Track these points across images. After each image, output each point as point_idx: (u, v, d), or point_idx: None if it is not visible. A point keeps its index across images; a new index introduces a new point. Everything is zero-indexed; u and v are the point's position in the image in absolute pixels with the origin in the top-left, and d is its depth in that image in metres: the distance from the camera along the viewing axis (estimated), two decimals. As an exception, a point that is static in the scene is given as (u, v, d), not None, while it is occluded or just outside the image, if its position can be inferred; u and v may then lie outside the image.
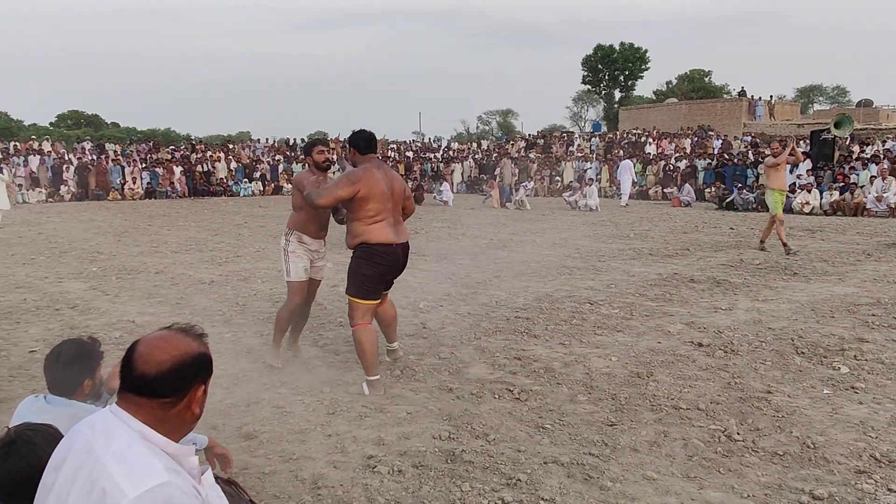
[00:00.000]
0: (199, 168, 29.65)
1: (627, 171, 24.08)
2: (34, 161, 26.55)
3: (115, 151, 30.41)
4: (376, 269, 4.86)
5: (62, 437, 1.67)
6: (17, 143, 30.57)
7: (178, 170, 28.55)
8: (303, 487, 3.50)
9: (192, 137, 46.35)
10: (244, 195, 29.07)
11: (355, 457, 3.84)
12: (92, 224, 16.77)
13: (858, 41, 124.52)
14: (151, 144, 33.77)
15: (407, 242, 5.07)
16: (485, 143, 43.70)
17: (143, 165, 28.32)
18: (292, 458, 3.82)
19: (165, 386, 1.57)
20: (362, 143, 4.96)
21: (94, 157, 28.45)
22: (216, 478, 2.28)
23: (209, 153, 32.16)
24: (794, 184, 21.29)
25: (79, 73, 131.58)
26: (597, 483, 3.53)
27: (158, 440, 1.53)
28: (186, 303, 7.80)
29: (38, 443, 1.97)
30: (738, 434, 4.13)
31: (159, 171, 28.07)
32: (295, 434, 4.16)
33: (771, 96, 40.42)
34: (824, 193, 20.29)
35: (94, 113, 68.12)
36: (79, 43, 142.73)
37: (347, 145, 5.31)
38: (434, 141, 46.70)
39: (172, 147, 34.71)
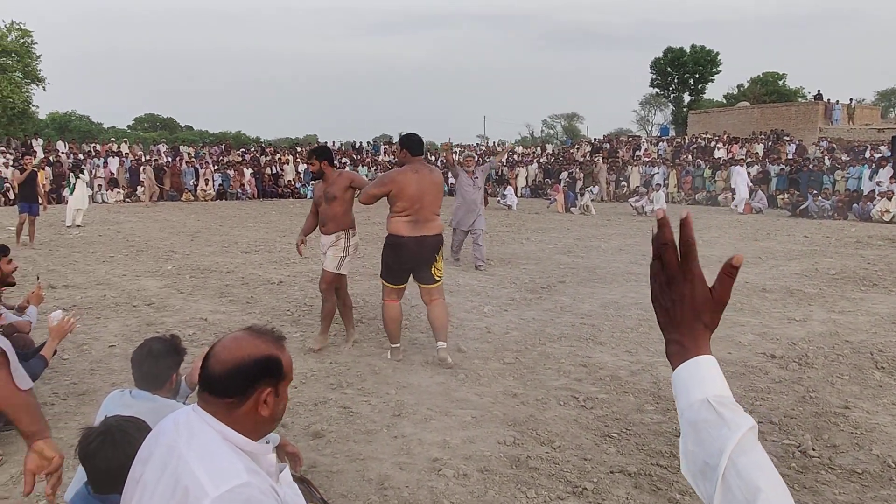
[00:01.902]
0: (268, 170, 30.33)
1: (742, 178, 23.18)
2: (114, 163, 27.60)
3: (189, 154, 31.37)
4: (392, 257, 5.51)
5: (150, 430, 1.73)
6: (98, 146, 31.83)
7: (248, 172, 29.26)
8: (369, 487, 3.54)
9: (262, 140, 47.54)
10: (311, 197, 29.56)
11: (421, 459, 3.87)
12: (167, 224, 17.33)
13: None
14: (223, 147, 34.71)
15: (424, 236, 5.41)
16: (549, 148, 43.42)
17: (216, 167, 29.12)
18: (359, 458, 3.87)
19: (228, 386, 1.59)
20: (414, 145, 5.57)
21: (169, 159, 29.40)
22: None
23: (278, 156, 32.87)
24: (874, 191, 20.48)
25: (155, 77, 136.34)
26: (665, 495, 3.47)
27: (238, 439, 1.56)
28: (256, 302, 7.98)
29: (133, 433, 2.07)
30: (814, 450, 4.00)
31: (230, 172, 28.81)
32: (361, 434, 4.21)
33: (851, 100, 38.92)
34: (906, 201, 19.43)
35: (169, 116, 70.46)
36: (155, 45, 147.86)
37: (399, 146, 5.78)
38: (498, 145, 46.63)
39: (243, 150, 35.59)
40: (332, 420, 4.43)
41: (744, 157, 26.90)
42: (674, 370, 1.01)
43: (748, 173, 24.03)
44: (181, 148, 33.35)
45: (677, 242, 1.00)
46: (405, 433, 4.23)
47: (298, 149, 36.16)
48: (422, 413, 4.56)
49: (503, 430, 4.29)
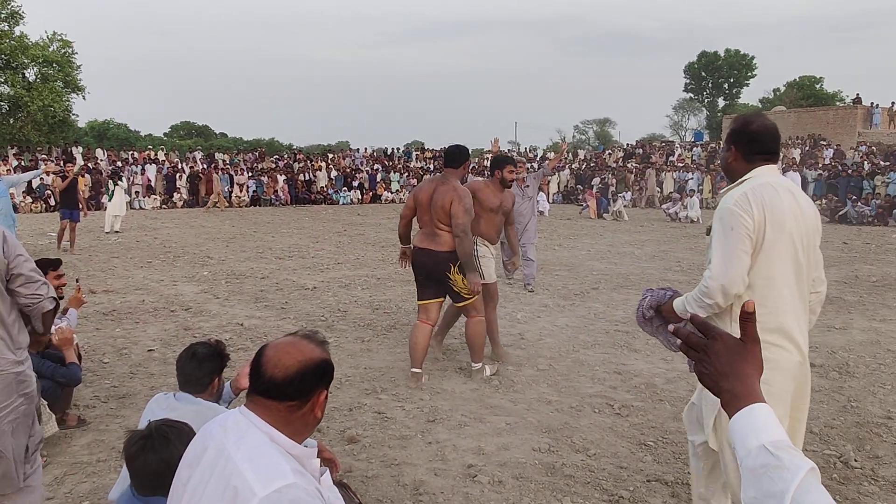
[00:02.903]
0: (300, 177, 30.63)
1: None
2: (151, 170, 28.09)
3: (223, 161, 31.81)
4: (414, 269, 5.38)
5: (195, 434, 1.77)
6: (135, 153, 32.42)
7: (281, 178, 29.57)
8: (404, 493, 3.55)
9: (294, 147, 47.97)
10: (343, 203, 29.80)
11: (455, 465, 3.87)
12: (203, 230, 17.58)
13: None
14: (257, 154, 35.13)
15: (430, 250, 5.21)
16: (581, 153, 43.23)
17: (250, 174, 29.48)
18: (394, 464, 3.88)
19: (292, 390, 1.64)
20: (447, 156, 5.47)
21: (205, 166, 29.83)
22: (328, 480, 2.36)
23: (310, 162, 33.19)
24: (915, 196, 20.05)
25: (190, 84, 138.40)
26: (703, 504, 3.42)
27: (284, 442, 1.60)
28: (291, 308, 8.06)
29: (173, 439, 2.12)
30: (856, 461, 3.93)
31: (264, 179, 29.14)
32: (396, 440, 4.23)
33: (892, 103, 38.14)
34: (949, 207, 19.01)
35: (204, 124, 71.47)
36: (191, 53, 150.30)
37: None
38: (530, 150, 46.55)
39: (276, 156, 35.99)
40: (367, 425, 4.45)
41: (797, 162, 26.35)
42: (730, 420, 1.06)
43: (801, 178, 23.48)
44: (216, 155, 33.83)
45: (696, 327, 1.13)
46: (439, 439, 4.23)
47: (331, 155, 36.49)
48: (456, 419, 4.56)
49: (538, 437, 4.27)
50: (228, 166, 29.86)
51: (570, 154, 42.38)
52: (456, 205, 5.10)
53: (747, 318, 1.05)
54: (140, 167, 28.24)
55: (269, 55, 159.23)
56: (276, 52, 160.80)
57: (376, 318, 7.44)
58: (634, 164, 33.70)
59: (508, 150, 47.69)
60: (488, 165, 5.75)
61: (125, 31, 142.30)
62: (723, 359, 1.07)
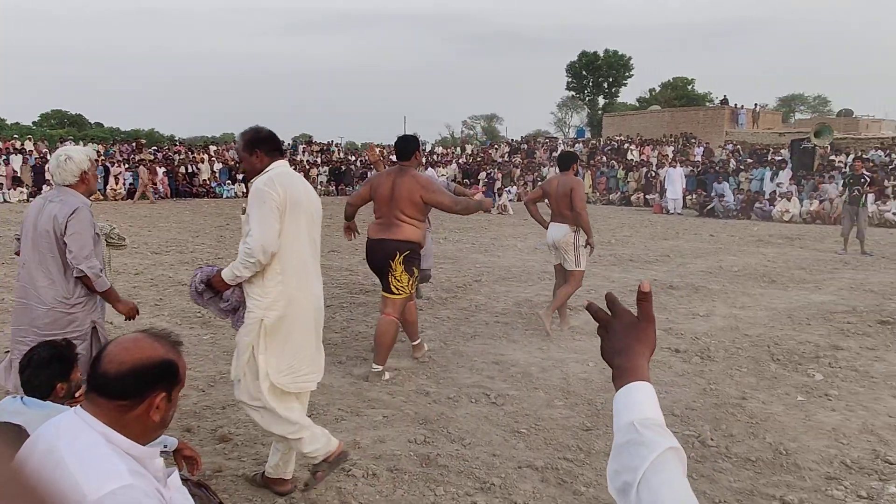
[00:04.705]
0: (181, 169, 29.46)
1: (678, 178, 23.55)
2: (16, 160, 26.26)
3: (97, 152, 30.16)
4: (367, 260, 5.41)
5: (28, 436, 1.66)
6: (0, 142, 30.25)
7: (160, 170, 28.35)
8: (276, 491, 3.48)
9: (176, 138, 45.99)
10: (227, 197, 28.90)
11: (330, 460, 3.83)
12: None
13: (840, 51, 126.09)
14: (135, 145, 33.52)
15: (383, 239, 5.20)
16: (469, 148, 43.76)
17: (126, 166, 28.09)
18: (266, 461, 3.79)
19: (122, 388, 1.55)
20: (398, 150, 5.54)
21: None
22: (186, 480, 2.28)
23: (192, 154, 31.97)
24: (775, 192, 21.49)
25: (63, 73, 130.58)
26: (570, 488, 3.55)
27: (122, 442, 1.52)
28: (165, 304, 7.75)
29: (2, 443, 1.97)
30: (712, 440, 4.17)
31: (141, 171, 27.84)
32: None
33: (755, 105, 40.78)
34: (804, 202, 20.49)
35: (77, 113, 67.48)
36: (64, 42, 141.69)
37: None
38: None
39: (155, 147, 34.45)
40: (240, 423, 4.33)
41: (675, 158, 27.53)
42: (614, 396, 1.09)
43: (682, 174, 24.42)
44: (90, 145, 32.03)
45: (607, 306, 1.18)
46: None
47: (214, 147, 35.28)
48: (333, 413, 4.52)
49: (414, 428, 4.29)
50: (103, 157, 28.34)
51: (458, 148, 42.84)
52: (429, 195, 5.18)
53: (643, 297, 1.09)
54: (3, 157, 26.35)
55: (151, 45, 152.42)
56: (158, 42, 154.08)
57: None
58: (520, 160, 34.48)
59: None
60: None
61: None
62: (618, 335, 1.11)
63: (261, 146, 3.34)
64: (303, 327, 3.32)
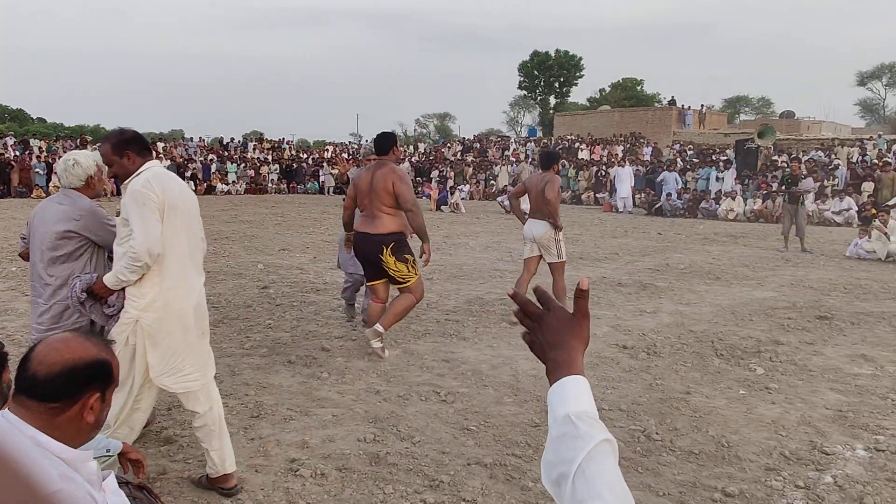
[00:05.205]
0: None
1: (626, 178, 23.68)
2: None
3: (39, 148, 29.24)
4: (355, 253, 5.82)
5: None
6: (-67, 137, 29.12)
7: (106, 167, 27.61)
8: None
9: (122, 134, 44.81)
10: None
11: (278, 460, 3.80)
12: (13, 222, 16.10)
13: (782, 55, 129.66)
14: (79, 141, 32.61)
15: (367, 233, 5.59)
16: (422, 146, 43.75)
17: (69, 162, 27.27)
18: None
19: (54, 390, 1.51)
20: (376, 145, 5.89)
21: (17, 154, 27.31)
22: (127, 483, 2.23)
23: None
24: (720, 191, 21.99)
25: (4, 68, 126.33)
26: (518, 483, 3.58)
27: (52, 446, 1.47)
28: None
29: None
30: (657, 434, 4.24)
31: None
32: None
33: (702, 105, 41.69)
34: (748, 201, 21.00)
35: (18, 108, 65.37)
36: (4, 39, 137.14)
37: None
38: (371, 143, 46.40)
39: (100, 144, 33.51)
40: (185, 424, 4.25)
41: (625, 158, 27.90)
42: (549, 390, 1.10)
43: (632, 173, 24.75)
44: (31, 141, 31.07)
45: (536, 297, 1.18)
46: (262, 435, 4.13)
47: (162, 144, 34.55)
48: (281, 413, 4.47)
49: (364, 427, 4.28)
50: (45, 154, 27.51)
51: (411, 147, 42.78)
52: (398, 184, 5.51)
53: (580, 294, 1.10)
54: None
55: (99, 39, 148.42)
56: (106, 35, 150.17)
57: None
58: (472, 158, 34.58)
59: (349, 142, 47.37)
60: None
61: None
62: (553, 330, 1.11)
63: (130, 147, 3.31)
64: (182, 326, 3.29)
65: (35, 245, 3.77)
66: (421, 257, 5.78)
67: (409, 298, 5.73)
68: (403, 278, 5.64)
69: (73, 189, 3.80)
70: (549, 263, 7.10)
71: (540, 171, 7.41)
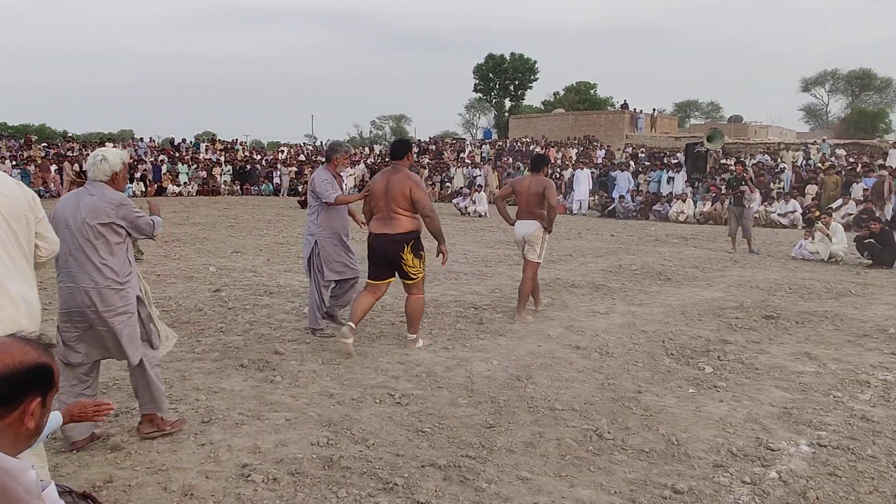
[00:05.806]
0: (76, 166, 28.08)
1: (584, 180, 23.86)
2: None
3: (-20, 147, 28.41)
4: (368, 252, 6.05)
5: None
6: None
7: (53, 168, 26.93)
8: (171, 499, 3.37)
9: (70, 134, 43.63)
10: (129, 195, 27.73)
11: (229, 466, 3.74)
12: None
13: (731, 60, 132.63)
14: (23, 141, 31.72)
15: (385, 234, 5.87)
16: (377, 148, 43.61)
17: (14, 163, 26.53)
18: (161, 470, 3.67)
19: None
20: (391, 150, 6.30)
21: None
22: (70, 492, 2.17)
23: (87, 151, 30.53)
24: (671, 193, 22.38)
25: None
26: (472, 485, 3.59)
27: None
28: (54, 309, 7.35)
29: None
30: (609, 433, 4.30)
31: (31, 168, 26.38)
32: (165, 444, 4.00)
33: (654, 109, 42.46)
34: (698, 203, 21.42)
35: (-43, 105, 63.33)
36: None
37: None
38: (326, 144, 46.14)
39: (46, 144, 32.66)
40: (133, 431, 4.17)
41: (580, 160, 28.16)
42: None
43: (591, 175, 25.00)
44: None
45: None
46: (213, 440, 4.07)
47: (111, 144, 33.80)
48: (233, 418, 4.41)
49: (317, 431, 4.24)
50: (-14, 154, 26.72)
51: (367, 149, 42.62)
52: (416, 190, 5.86)
53: None
54: None
55: (45, 36, 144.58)
56: (53, 32, 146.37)
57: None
58: (428, 160, 34.59)
59: (304, 143, 46.98)
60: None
61: None
62: None
63: None
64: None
65: (67, 235, 3.83)
66: (437, 256, 6.32)
67: (420, 300, 6.12)
68: (415, 274, 5.97)
69: (99, 182, 3.98)
70: (525, 259, 7.44)
71: (531, 173, 7.64)
